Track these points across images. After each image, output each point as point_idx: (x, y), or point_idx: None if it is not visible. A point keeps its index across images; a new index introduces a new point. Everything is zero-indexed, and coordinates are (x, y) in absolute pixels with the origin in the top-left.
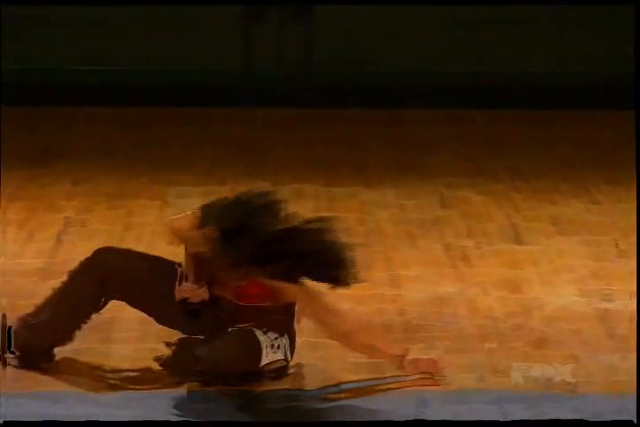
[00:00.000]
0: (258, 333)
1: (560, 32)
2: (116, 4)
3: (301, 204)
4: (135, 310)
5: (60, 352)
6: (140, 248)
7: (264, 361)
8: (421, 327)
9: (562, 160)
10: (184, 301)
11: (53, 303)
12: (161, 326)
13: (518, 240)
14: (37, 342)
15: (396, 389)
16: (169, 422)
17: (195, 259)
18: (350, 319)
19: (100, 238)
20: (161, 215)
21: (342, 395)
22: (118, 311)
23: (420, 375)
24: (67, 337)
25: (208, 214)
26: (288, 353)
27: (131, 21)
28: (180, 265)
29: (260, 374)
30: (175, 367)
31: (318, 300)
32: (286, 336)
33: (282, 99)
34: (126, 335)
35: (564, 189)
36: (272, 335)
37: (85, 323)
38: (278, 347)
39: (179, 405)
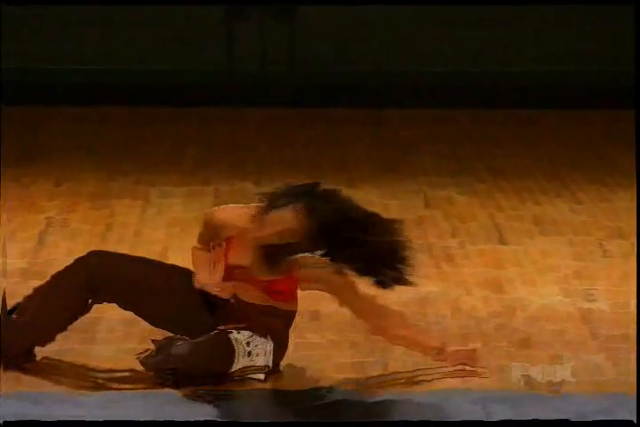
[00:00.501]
0: (236, 337)
1: (543, 31)
2: (101, 3)
3: None
4: (117, 310)
5: (41, 352)
6: (123, 249)
7: (235, 367)
8: None
9: (545, 160)
10: (207, 295)
11: (37, 303)
12: (144, 327)
13: (502, 240)
14: (17, 341)
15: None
16: (168, 421)
17: (239, 250)
18: (390, 313)
19: (82, 239)
20: (143, 215)
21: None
22: (101, 311)
23: (458, 367)
24: (48, 338)
25: (269, 202)
26: (270, 359)
27: (114, 21)
28: (188, 270)
29: (232, 376)
30: (152, 365)
31: (362, 294)
32: (271, 342)
33: (265, 98)
34: (109, 336)
35: (548, 189)
36: (256, 341)
37: (70, 324)
38: (257, 354)
39: (163, 405)
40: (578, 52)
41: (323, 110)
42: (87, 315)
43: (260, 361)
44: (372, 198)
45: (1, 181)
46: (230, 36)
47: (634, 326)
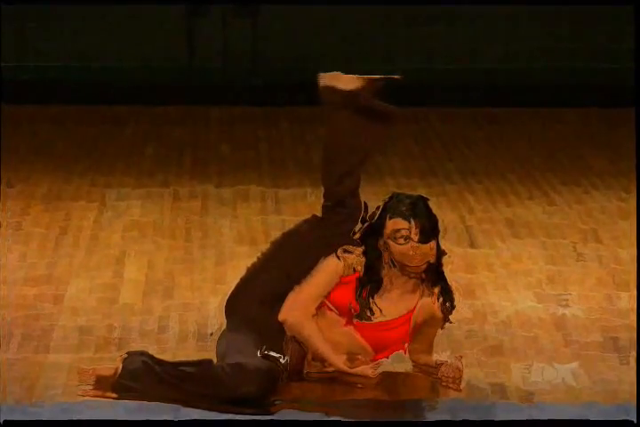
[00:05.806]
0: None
1: (514, 28)
2: (59, 3)
3: (247, 206)
4: (73, 317)
5: None
6: (78, 253)
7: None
8: None
9: (517, 160)
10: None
11: None
12: (99, 335)
13: (472, 243)
14: None
15: None
16: (170, 421)
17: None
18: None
19: (35, 243)
20: (100, 218)
21: None
22: (55, 319)
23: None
24: None
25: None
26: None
27: (73, 18)
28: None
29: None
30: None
31: None
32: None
33: (227, 97)
34: (64, 344)
35: (520, 191)
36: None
37: None
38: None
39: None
40: (547, 50)
41: (286, 109)
42: (40, 322)
43: None
44: None
45: (1, 181)
46: (191, 34)
47: (607, 333)
